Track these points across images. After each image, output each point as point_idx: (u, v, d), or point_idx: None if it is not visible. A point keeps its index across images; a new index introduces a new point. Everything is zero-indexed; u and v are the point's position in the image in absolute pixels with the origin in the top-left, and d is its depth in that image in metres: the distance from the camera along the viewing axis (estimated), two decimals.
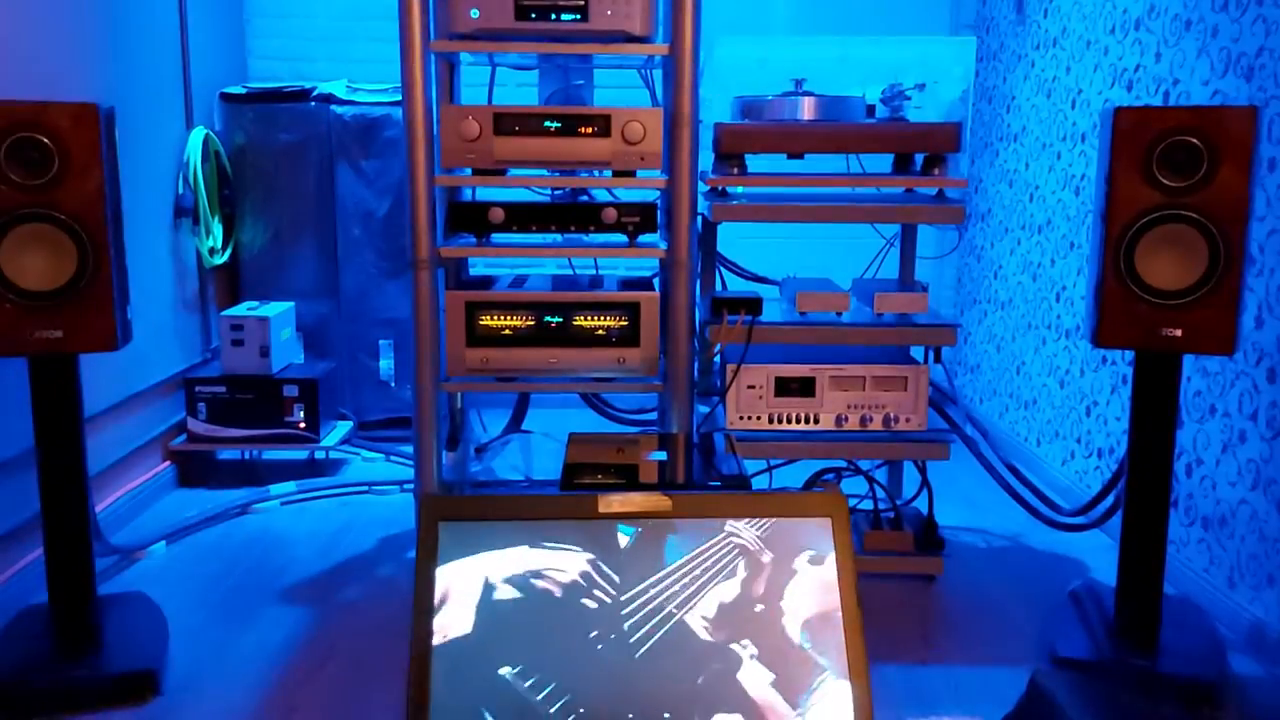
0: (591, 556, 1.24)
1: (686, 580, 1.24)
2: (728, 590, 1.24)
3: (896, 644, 2.14)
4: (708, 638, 1.21)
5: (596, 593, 1.22)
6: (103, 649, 1.94)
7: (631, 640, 1.21)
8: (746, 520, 1.27)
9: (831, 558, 1.25)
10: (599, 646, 1.20)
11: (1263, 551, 2.09)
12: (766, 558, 1.25)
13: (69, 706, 1.83)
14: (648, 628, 1.21)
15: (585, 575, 1.23)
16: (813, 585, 1.24)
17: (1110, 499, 2.39)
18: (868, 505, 2.50)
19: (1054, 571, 2.51)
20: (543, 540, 1.24)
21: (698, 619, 1.22)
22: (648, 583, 1.23)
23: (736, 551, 1.26)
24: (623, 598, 1.22)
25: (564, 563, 1.24)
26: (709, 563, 1.25)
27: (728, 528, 1.27)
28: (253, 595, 2.35)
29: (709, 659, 1.20)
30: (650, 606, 1.22)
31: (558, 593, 1.22)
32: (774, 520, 1.27)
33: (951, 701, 1.93)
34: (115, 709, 1.84)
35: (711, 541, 1.26)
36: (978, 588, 2.42)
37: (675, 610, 1.22)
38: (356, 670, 2.01)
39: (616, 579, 1.23)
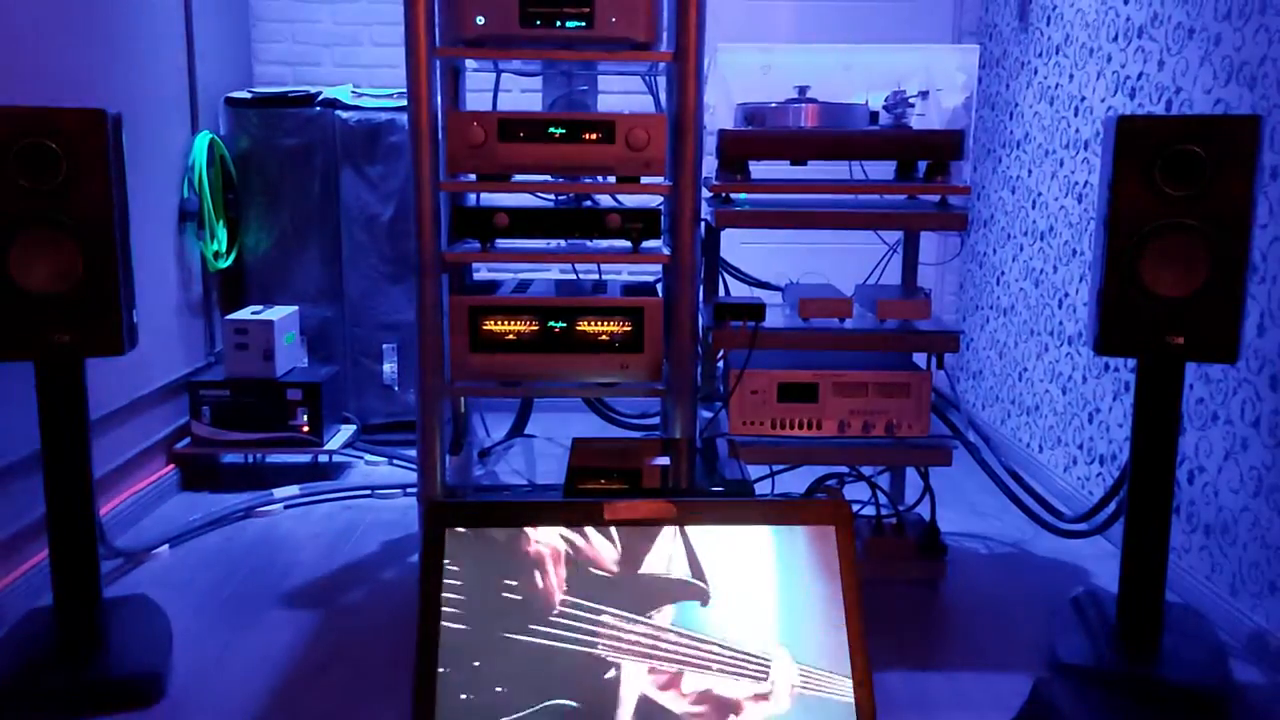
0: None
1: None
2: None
3: (899, 650, 2.14)
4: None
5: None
6: (107, 652, 1.95)
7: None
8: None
9: None
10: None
11: (1265, 559, 2.10)
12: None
13: (74, 709, 1.83)
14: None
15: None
16: None
17: (1112, 506, 2.39)
18: (870, 511, 2.50)
19: (1056, 578, 2.51)
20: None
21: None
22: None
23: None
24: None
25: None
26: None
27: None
28: (256, 599, 2.35)
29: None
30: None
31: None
32: None
33: (954, 707, 1.93)
34: (120, 712, 1.85)
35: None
36: (980, 594, 2.42)
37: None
38: (360, 674, 2.02)
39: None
